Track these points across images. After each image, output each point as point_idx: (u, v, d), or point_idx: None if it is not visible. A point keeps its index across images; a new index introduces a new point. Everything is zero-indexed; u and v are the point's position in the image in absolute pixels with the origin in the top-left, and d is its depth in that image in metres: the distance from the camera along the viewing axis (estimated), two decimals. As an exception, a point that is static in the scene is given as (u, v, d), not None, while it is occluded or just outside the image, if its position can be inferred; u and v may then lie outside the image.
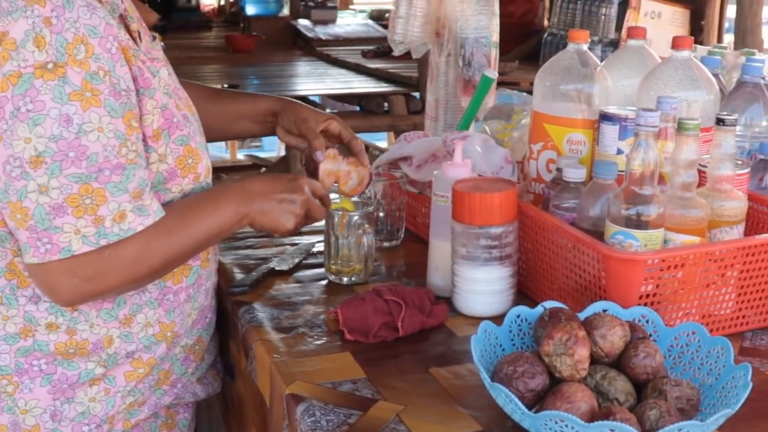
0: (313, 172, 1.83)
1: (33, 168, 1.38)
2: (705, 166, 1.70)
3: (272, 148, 8.61)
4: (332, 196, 1.82)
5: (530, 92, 1.99)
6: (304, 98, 5.75)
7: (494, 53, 2.33)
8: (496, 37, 2.35)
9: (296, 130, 1.89)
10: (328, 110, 5.90)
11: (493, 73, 2.14)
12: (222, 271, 1.96)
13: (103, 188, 1.42)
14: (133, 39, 1.54)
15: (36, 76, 1.37)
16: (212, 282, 1.76)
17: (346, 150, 1.87)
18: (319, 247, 2.02)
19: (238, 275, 1.94)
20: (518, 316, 1.49)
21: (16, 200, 1.40)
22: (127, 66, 1.47)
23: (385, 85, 5.98)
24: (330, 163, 1.82)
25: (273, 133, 1.96)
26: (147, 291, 1.60)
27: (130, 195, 1.46)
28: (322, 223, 1.90)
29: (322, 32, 7.71)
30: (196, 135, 1.63)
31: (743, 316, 1.68)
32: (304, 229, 2.20)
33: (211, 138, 1.81)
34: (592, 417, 1.25)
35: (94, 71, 1.40)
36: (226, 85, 5.61)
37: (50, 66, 1.37)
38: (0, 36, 1.37)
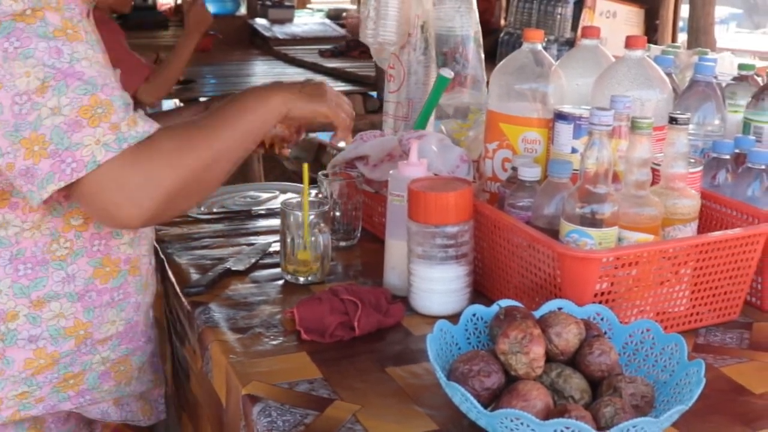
0: None
1: (41, 95, 1.38)
2: (658, 165, 1.71)
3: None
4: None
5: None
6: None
7: (473, 48, 2.32)
8: (475, 33, 2.34)
9: None
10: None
11: (448, 73, 2.14)
12: (178, 271, 1.95)
13: (110, 99, 1.42)
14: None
15: (17, 21, 1.38)
16: (146, 302, 1.73)
17: None
18: (276, 247, 2.02)
19: (194, 275, 1.92)
20: (474, 315, 1.50)
21: (31, 132, 1.38)
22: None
23: (343, 84, 5.98)
24: None
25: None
26: (72, 281, 1.58)
27: (132, 107, 1.47)
28: (278, 222, 1.90)
29: (279, 31, 7.69)
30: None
31: (697, 313, 1.70)
32: (261, 228, 2.21)
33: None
34: (547, 415, 1.26)
35: (68, 16, 1.42)
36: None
37: (28, 12, 1.39)
38: None
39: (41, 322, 1.57)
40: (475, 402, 1.25)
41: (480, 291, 1.79)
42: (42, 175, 1.39)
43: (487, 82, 2.06)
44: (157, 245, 2.08)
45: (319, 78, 6.09)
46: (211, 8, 8.23)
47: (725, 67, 2.57)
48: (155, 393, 1.84)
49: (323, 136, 7.10)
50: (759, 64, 2.81)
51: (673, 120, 1.66)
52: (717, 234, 1.69)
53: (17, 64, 1.37)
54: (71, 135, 1.38)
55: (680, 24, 5.12)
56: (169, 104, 5.32)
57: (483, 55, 2.35)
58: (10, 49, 1.37)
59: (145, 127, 1.44)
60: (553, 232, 1.62)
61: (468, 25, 2.31)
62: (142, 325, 1.73)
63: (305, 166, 1.90)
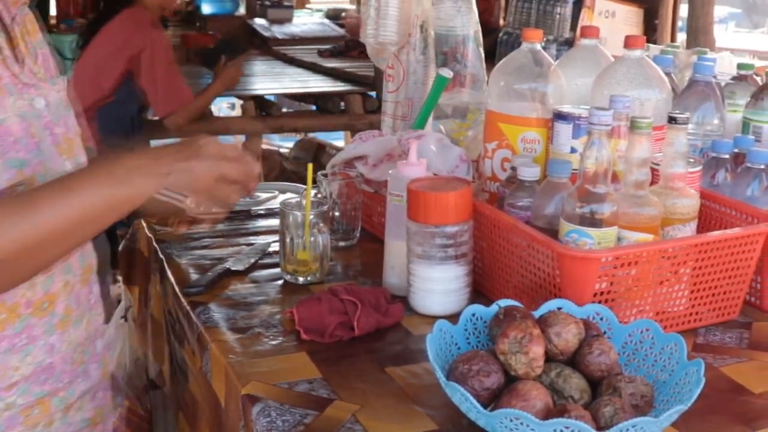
0: None
1: None
2: (658, 165, 1.71)
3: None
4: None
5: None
6: (260, 98, 5.74)
7: (473, 47, 2.31)
8: (475, 32, 2.34)
9: None
10: (284, 109, 5.90)
11: (447, 72, 2.14)
12: (177, 271, 1.95)
13: None
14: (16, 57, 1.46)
15: None
16: (68, 340, 1.54)
17: None
18: (275, 246, 2.02)
19: (194, 276, 1.92)
20: (473, 315, 1.50)
21: None
22: None
23: (342, 84, 5.98)
24: None
25: None
26: None
27: None
28: (278, 222, 1.90)
29: (278, 31, 7.69)
30: (43, 171, 1.44)
31: (696, 313, 1.70)
32: (260, 228, 2.21)
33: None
34: (547, 415, 1.26)
35: None
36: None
37: None
38: None
39: None
40: (474, 402, 1.25)
41: (479, 291, 1.79)
42: None
43: (487, 82, 2.06)
44: (156, 245, 2.08)
45: (317, 79, 6.12)
46: (210, 8, 8.28)
47: (724, 66, 2.57)
48: (98, 429, 1.66)
49: (321, 136, 7.12)
50: (758, 63, 2.81)
51: (672, 120, 1.66)
52: (716, 234, 1.69)
53: None
54: None
55: (679, 24, 5.12)
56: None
57: (483, 55, 2.35)
58: None
59: None
60: (553, 232, 1.62)
61: (468, 25, 2.31)
62: (62, 364, 1.54)
63: (310, 166, 1.90)
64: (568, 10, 4.79)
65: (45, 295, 1.49)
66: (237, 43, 5.36)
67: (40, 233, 1.31)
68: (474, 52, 2.33)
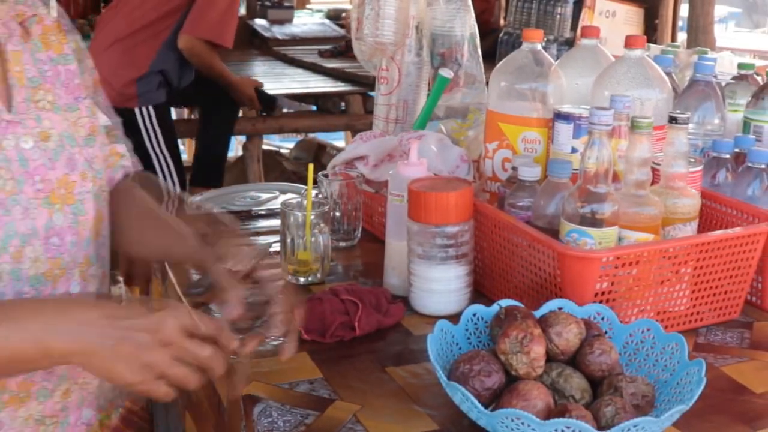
0: None
1: None
2: (658, 164, 1.71)
3: (229, 149, 8.55)
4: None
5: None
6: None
7: (470, 48, 2.31)
8: (471, 33, 2.33)
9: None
10: (285, 110, 5.89)
11: (448, 73, 2.14)
12: (178, 271, 1.94)
13: None
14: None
15: None
16: (18, 416, 1.39)
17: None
18: (276, 247, 2.01)
19: (195, 276, 1.92)
20: (474, 315, 1.50)
21: None
22: None
23: (342, 84, 5.97)
24: None
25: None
26: None
27: None
28: (278, 222, 1.89)
29: (278, 32, 7.68)
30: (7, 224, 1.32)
31: (697, 313, 1.70)
32: (261, 229, 2.21)
33: (152, 255, 1.61)
34: (548, 414, 1.26)
35: None
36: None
37: None
38: None
39: None
40: (475, 402, 1.25)
41: (480, 291, 1.79)
42: None
43: (487, 82, 2.06)
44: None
45: (317, 79, 6.11)
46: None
47: (725, 66, 2.57)
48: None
49: (322, 137, 7.11)
50: (758, 63, 2.81)
51: (672, 119, 1.66)
52: (717, 233, 1.69)
53: None
54: None
55: (680, 23, 5.12)
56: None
57: (480, 55, 2.35)
58: None
59: None
60: (553, 232, 1.62)
61: (465, 25, 2.31)
62: None
63: (310, 166, 1.90)
64: (569, 10, 4.79)
65: None
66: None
67: None
68: (471, 53, 2.32)
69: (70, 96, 1.45)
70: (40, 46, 1.43)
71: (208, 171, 4.88)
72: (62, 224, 1.39)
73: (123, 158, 1.62)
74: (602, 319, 1.50)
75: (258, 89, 5.13)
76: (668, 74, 2.04)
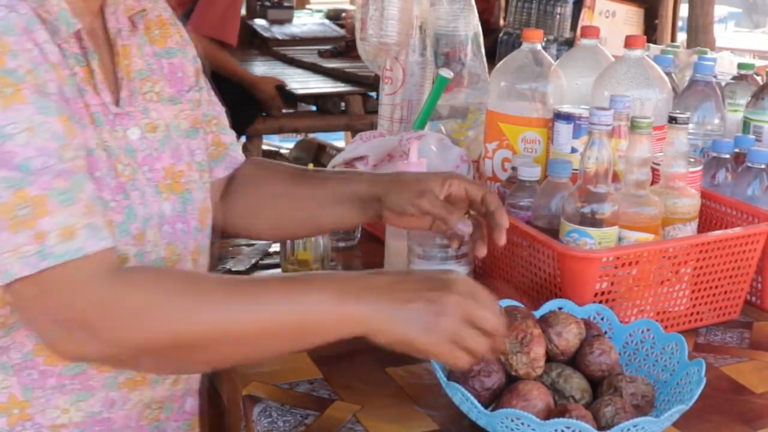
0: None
1: None
2: (658, 164, 1.71)
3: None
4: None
5: (486, 91, 1.99)
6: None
7: (473, 47, 2.31)
8: (475, 33, 2.33)
9: (414, 209, 1.46)
10: (284, 110, 5.87)
11: (448, 73, 2.14)
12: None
13: (45, 195, 1.12)
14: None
15: None
16: (136, 399, 1.39)
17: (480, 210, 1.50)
18: (276, 247, 2.01)
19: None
20: (474, 315, 1.49)
21: None
22: (56, 75, 1.21)
23: (342, 84, 5.97)
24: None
25: (378, 219, 1.54)
26: (6, 353, 1.29)
27: (83, 206, 1.16)
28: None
29: (278, 32, 7.68)
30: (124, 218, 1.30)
31: (697, 313, 1.70)
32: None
33: (297, 231, 1.63)
34: (548, 415, 1.26)
35: (11, 68, 1.13)
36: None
37: None
38: None
39: None
40: (475, 402, 1.25)
41: (480, 291, 1.79)
42: None
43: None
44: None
45: (317, 80, 6.11)
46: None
47: (725, 66, 2.57)
48: None
49: (322, 137, 7.11)
50: (758, 63, 2.81)
51: (672, 119, 1.66)
52: (717, 233, 1.69)
53: None
54: None
55: (680, 23, 5.12)
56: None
57: (484, 55, 2.35)
58: None
59: (86, 243, 1.14)
60: (553, 232, 1.62)
61: (469, 25, 2.30)
62: (124, 420, 1.39)
63: (310, 166, 1.90)
64: (569, 9, 4.79)
65: None
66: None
67: (249, 326, 1.19)
68: (475, 53, 2.32)
69: (174, 89, 1.45)
70: (146, 40, 1.43)
71: None
72: (171, 212, 1.38)
73: (229, 148, 1.61)
74: (602, 319, 1.50)
75: (279, 87, 5.14)
76: (668, 74, 2.04)
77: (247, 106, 4.97)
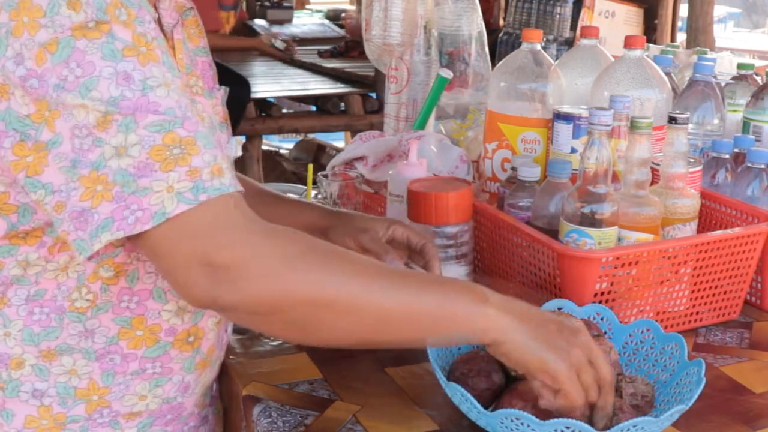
0: None
1: (102, 130, 1.13)
2: (658, 164, 1.71)
3: (229, 150, 8.56)
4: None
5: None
6: (262, 100, 5.74)
7: (476, 47, 2.31)
8: (479, 32, 2.33)
9: (354, 243, 1.55)
10: (284, 110, 5.89)
11: (447, 73, 2.14)
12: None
13: (192, 136, 1.16)
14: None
15: (77, 38, 1.14)
16: (203, 382, 1.44)
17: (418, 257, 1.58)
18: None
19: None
20: (474, 315, 1.49)
21: (91, 171, 1.13)
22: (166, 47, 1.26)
23: (342, 85, 5.98)
24: None
25: None
26: (91, 337, 1.32)
27: (221, 150, 1.21)
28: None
29: (278, 32, 7.69)
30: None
31: (697, 313, 1.70)
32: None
33: None
34: (547, 414, 1.26)
35: (141, 31, 1.18)
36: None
37: (91, 25, 1.15)
38: (20, 5, 1.15)
39: (49, 376, 1.32)
40: (475, 402, 1.25)
41: (480, 291, 1.79)
42: (98, 221, 1.14)
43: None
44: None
45: (317, 80, 6.11)
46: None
47: (724, 66, 2.57)
48: None
49: (321, 137, 7.11)
50: (758, 63, 2.81)
51: (672, 119, 1.66)
52: (717, 233, 1.69)
53: (72, 96, 1.13)
54: (139, 179, 1.13)
55: (679, 24, 5.13)
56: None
57: (488, 54, 2.35)
58: (70, 78, 1.14)
59: (233, 182, 1.19)
60: (553, 232, 1.62)
61: (472, 24, 2.31)
62: (192, 407, 1.45)
63: (310, 167, 1.90)
64: (568, 10, 4.79)
65: (193, 328, 1.38)
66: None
67: (390, 304, 1.20)
68: (478, 52, 2.33)
69: (207, 85, 1.47)
70: (186, 37, 1.45)
71: None
72: None
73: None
74: (602, 319, 1.50)
75: (273, 44, 5.60)
76: (668, 74, 2.04)
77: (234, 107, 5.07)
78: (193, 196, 1.14)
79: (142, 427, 1.39)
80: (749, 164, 1.86)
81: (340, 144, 7.15)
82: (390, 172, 1.83)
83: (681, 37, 5.24)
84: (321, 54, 6.80)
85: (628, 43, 1.84)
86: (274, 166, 6.36)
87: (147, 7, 1.23)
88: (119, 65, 1.15)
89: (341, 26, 7.96)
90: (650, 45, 2.85)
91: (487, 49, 2.34)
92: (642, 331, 1.47)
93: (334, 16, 8.58)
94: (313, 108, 5.95)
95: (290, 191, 2.51)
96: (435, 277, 1.37)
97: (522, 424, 1.21)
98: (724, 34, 11.08)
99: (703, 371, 1.33)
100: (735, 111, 2.20)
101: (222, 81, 1.56)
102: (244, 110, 5.27)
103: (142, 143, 1.14)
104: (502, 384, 1.33)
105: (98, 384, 1.33)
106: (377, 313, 1.20)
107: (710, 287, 1.69)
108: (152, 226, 1.13)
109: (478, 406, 1.25)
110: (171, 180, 1.13)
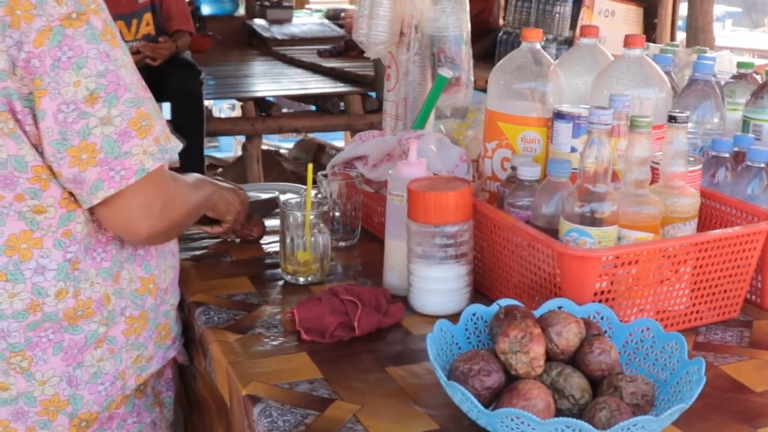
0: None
1: (90, 105, 1.46)
2: (658, 163, 1.71)
3: (229, 149, 8.58)
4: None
5: (485, 91, 1.99)
6: (262, 100, 5.73)
7: (465, 50, 2.31)
8: (466, 34, 2.33)
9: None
10: (284, 110, 5.89)
11: (447, 72, 2.14)
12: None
13: (149, 113, 1.53)
14: None
15: (65, 26, 1.45)
16: (175, 246, 1.82)
17: None
18: (275, 247, 2.02)
19: (195, 276, 1.92)
20: (474, 315, 1.50)
21: (80, 140, 1.47)
22: None
23: (341, 84, 5.98)
24: None
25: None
26: (125, 246, 1.64)
27: (163, 121, 1.58)
28: (278, 222, 1.90)
29: (278, 32, 7.69)
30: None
31: (697, 312, 1.70)
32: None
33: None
34: (548, 413, 1.26)
35: (105, 18, 1.50)
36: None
37: (74, 15, 1.46)
38: (11, 0, 1.44)
39: (123, 292, 1.63)
40: (475, 401, 1.25)
41: (480, 290, 1.79)
42: (90, 182, 1.49)
43: (485, 82, 2.05)
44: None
45: (317, 80, 6.12)
46: (210, 9, 8.27)
47: (724, 65, 2.57)
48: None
49: (321, 137, 7.11)
50: (758, 62, 2.81)
51: (672, 118, 1.66)
52: (717, 232, 1.69)
53: (68, 74, 1.45)
54: (122, 144, 1.49)
55: (679, 22, 5.13)
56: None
57: (472, 56, 2.34)
58: (63, 59, 1.44)
59: (177, 141, 1.57)
60: (553, 232, 1.62)
61: (458, 26, 2.30)
62: (177, 264, 1.83)
63: (310, 166, 1.90)
64: (568, 9, 4.80)
65: None
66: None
67: (197, 205, 1.75)
68: (465, 54, 2.31)
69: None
70: None
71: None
72: None
73: None
74: (602, 318, 1.50)
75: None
76: (667, 73, 2.04)
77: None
78: (161, 156, 1.53)
79: (174, 295, 1.78)
80: (749, 163, 1.86)
81: (339, 143, 7.16)
82: (390, 171, 1.83)
83: (681, 35, 5.24)
84: (320, 53, 6.81)
85: (628, 42, 1.84)
86: (273, 166, 6.36)
87: None
88: (100, 46, 1.47)
89: (341, 26, 7.97)
90: (650, 44, 2.85)
91: (471, 51, 2.33)
92: (642, 330, 1.47)
93: (333, 16, 8.59)
94: (313, 107, 5.95)
95: (290, 191, 2.51)
96: (211, 180, 1.90)
97: (522, 423, 1.21)
98: (722, 32, 11.08)
99: (703, 370, 1.33)
100: (735, 110, 2.20)
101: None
102: (200, 102, 5.22)
103: (123, 115, 1.49)
104: (503, 383, 1.33)
105: (145, 276, 1.68)
106: (194, 211, 1.75)
107: (710, 286, 1.69)
108: (135, 180, 1.50)
109: (479, 405, 1.25)
110: (144, 145, 1.51)
